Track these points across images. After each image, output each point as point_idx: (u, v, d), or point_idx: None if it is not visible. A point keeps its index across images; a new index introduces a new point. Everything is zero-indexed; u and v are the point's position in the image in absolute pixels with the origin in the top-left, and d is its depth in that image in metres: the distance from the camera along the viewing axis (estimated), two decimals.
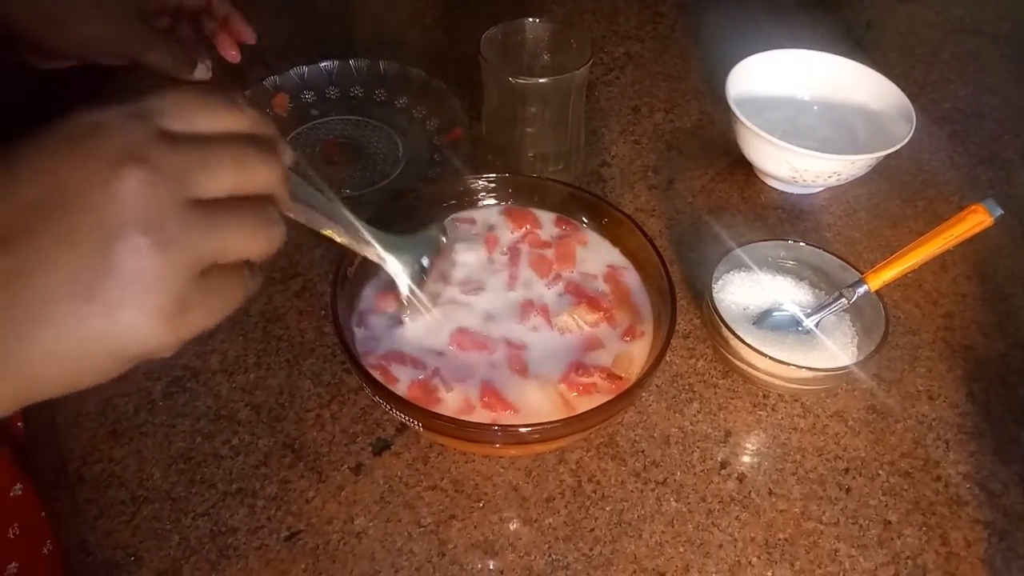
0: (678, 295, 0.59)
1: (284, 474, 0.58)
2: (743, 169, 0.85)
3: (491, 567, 0.54)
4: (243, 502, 0.56)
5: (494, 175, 0.65)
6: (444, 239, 0.60)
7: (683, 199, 0.82)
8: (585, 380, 0.55)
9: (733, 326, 0.61)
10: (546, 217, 0.67)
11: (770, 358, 0.58)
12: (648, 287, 0.62)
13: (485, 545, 0.55)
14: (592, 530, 0.56)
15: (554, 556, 0.55)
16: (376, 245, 0.50)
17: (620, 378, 0.56)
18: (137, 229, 0.29)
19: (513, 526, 0.56)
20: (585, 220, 0.66)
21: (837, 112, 0.85)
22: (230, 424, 0.61)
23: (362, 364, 0.52)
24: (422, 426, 0.51)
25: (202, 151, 0.31)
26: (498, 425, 0.51)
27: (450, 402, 0.54)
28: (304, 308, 0.69)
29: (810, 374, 0.58)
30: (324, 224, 0.44)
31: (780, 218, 0.81)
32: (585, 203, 0.66)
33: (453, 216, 0.66)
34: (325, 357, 0.65)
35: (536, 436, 0.50)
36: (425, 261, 0.57)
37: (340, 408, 0.62)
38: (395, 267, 0.54)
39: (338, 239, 0.46)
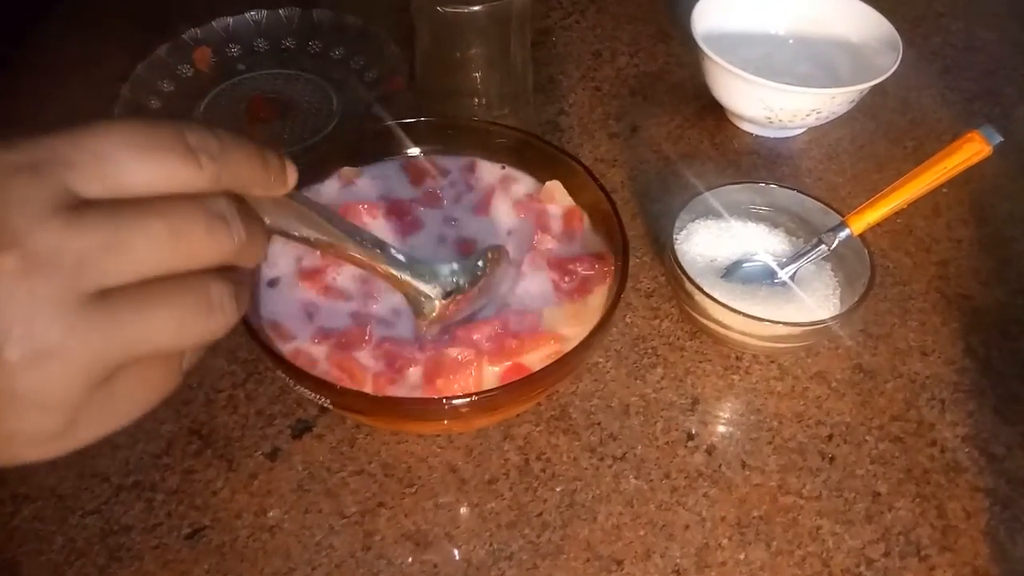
0: (641, 251, 0.52)
1: (188, 463, 0.51)
2: (714, 114, 0.77)
3: (423, 560, 0.47)
4: (140, 496, 0.49)
5: (411, 120, 0.57)
6: (491, 262, 0.47)
7: (648, 147, 0.74)
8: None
9: (698, 279, 0.53)
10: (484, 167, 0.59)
11: (740, 313, 0.51)
12: (601, 234, 0.55)
13: (417, 536, 0.48)
14: (540, 514, 0.49)
15: (496, 545, 0.48)
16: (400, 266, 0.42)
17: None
18: (2, 339, 0.22)
19: (450, 513, 0.49)
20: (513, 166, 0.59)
21: (815, 47, 0.77)
22: None
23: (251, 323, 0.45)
24: (332, 404, 0.43)
25: (116, 226, 0.23)
26: (415, 399, 0.44)
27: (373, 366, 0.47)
28: None
29: (785, 330, 0.51)
30: (330, 246, 0.37)
31: (755, 164, 0.73)
32: (525, 150, 0.58)
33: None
34: (243, 331, 0.58)
35: (466, 408, 0.43)
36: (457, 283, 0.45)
37: (256, 387, 0.55)
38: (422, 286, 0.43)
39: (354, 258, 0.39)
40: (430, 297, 0.44)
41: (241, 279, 0.28)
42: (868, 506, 0.50)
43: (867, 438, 0.54)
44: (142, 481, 0.50)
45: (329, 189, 0.55)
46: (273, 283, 0.50)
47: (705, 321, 0.55)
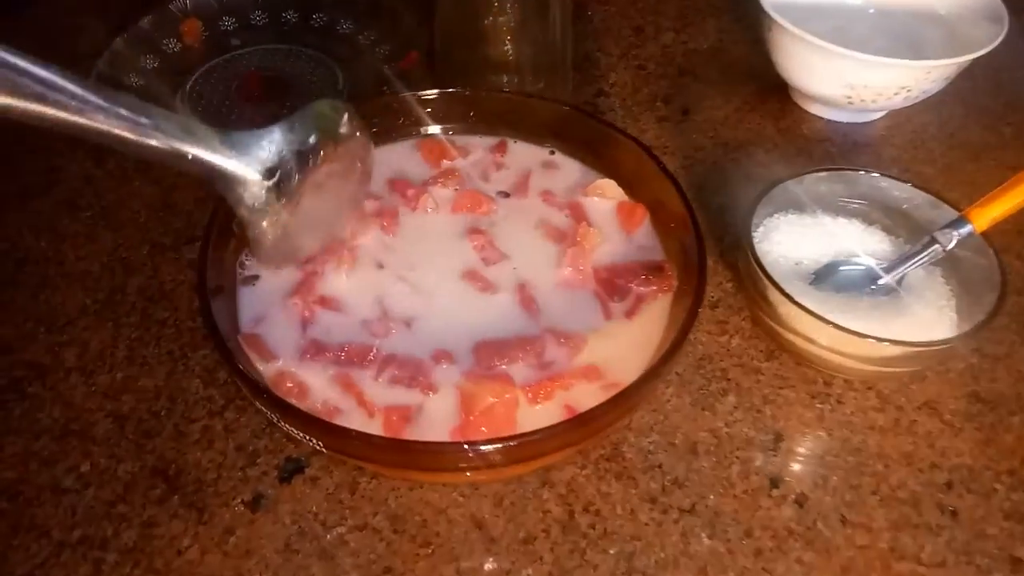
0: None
1: (150, 513, 0.41)
2: (777, 95, 0.67)
3: None
4: (86, 556, 0.39)
5: (438, 91, 0.48)
6: (337, 125, 0.36)
7: (702, 133, 0.64)
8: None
9: (784, 285, 0.43)
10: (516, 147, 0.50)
11: (841, 329, 0.40)
12: (660, 234, 0.45)
13: None
14: None
15: None
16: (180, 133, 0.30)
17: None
18: None
19: None
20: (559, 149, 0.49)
21: (897, 18, 0.67)
22: (81, 443, 0.43)
23: (225, 344, 0.35)
24: (325, 447, 0.33)
25: None
26: (433, 444, 0.34)
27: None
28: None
29: (898, 351, 0.41)
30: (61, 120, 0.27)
31: (829, 152, 0.62)
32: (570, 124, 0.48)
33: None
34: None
35: (499, 456, 0.33)
36: (288, 153, 0.33)
37: (237, 417, 0.45)
38: (227, 163, 0.32)
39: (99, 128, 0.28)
40: (245, 180, 0.32)
41: None
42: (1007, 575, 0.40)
43: (996, 486, 0.43)
44: (90, 536, 0.40)
45: None
46: (249, 280, 0.41)
47: (789, 336, 0.44)
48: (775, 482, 0.43)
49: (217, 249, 0.41)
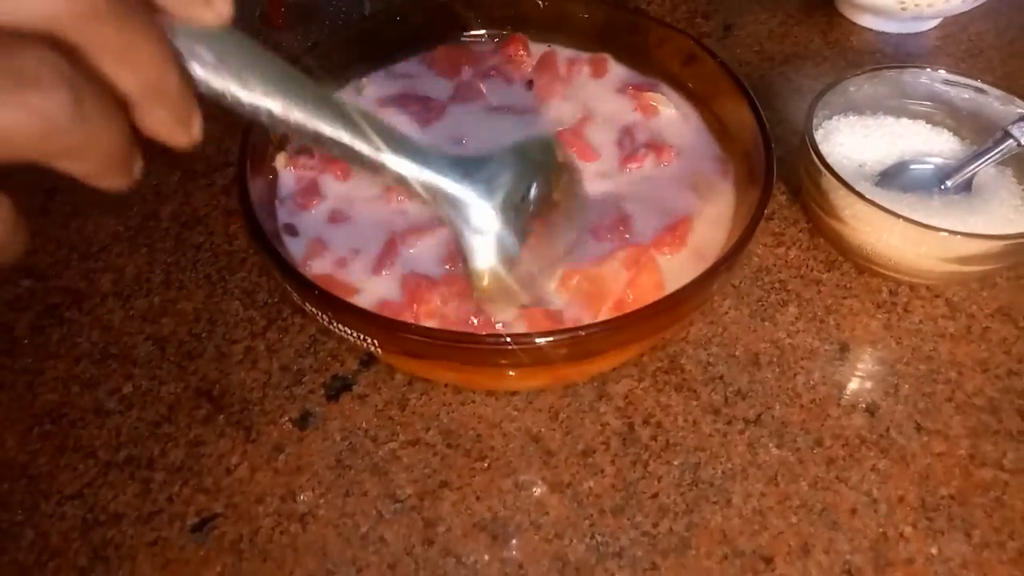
0: None
1: (196, 432, 0.39)
2: (823, 8, 0.64)
3: (504, 559, 0.35)
4: (134, 476, 0.38)
5: None
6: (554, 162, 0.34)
7: (747, 49, 0.61)
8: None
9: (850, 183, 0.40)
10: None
11: (915, 223, 0.38)
12: (710, 127, 0.43)
13: (494, 526, 0.36)
14: (655, 496, 0.37)
15: (599, 538, 0.36)
16: (424, 165, 0.28)
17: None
18: None
19: (535, 495, 0.37)
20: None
21: None
22: (122, 366, 0.42)
23: (273, 246, 0.33)
24: (379, 345, 0.32)
25: None
26: (493, 335, 0.32)
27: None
28: (235, 207, 0.50)
29: (977, 246, 0.38)
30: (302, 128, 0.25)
31: (880, 63, 0.59)
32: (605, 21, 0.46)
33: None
34: (262, 269, 0.46)
35: (562, 350, 0.31)
36: (526, 193, 0.31)
37: (280, 337, 0.43)
38: (468, 210, 0.29)
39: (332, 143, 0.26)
40: (475, 203, 0.29)
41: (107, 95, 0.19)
42: None
43: None
44: (136, 456, 0.39)
45: None
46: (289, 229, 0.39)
47: (858, 241, 0.42)
48: (843, 391, 0.41)
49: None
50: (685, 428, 0.39)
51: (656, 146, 0.42)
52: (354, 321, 0.30)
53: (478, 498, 0.37)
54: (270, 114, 0.24)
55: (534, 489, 0.37)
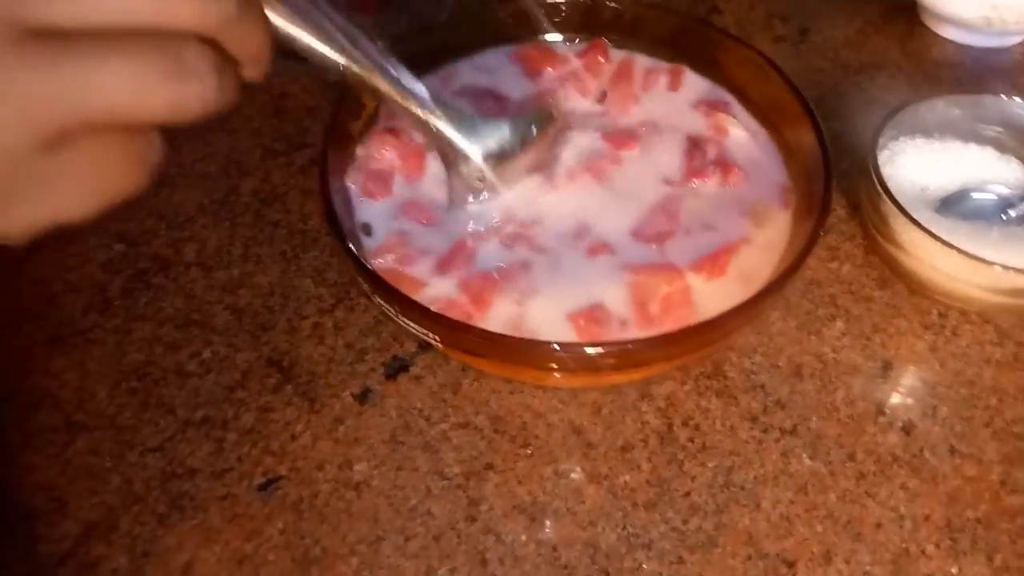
0: None
1: (266, 399, 0.43)
2: (906, 15, 0.63)
3: (539, 540, 0.38)
4: (208, 435, 0.42)
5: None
6: (545, 123, 0.42)
7: (822, 55, 0.61)
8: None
9: (908, 210, 0.41)
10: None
11: (967, 255, 0.39)
12: (779, 151, 0.44)
13: (533, 509, 0.39)
14: (687, 494, 0.39)
15: (631, 529, 0.38)
16: (434, 110, 0.38)
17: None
18: None
19: (573, 484, 0.40)
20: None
21: None
22: (202, 332, 0.46)
23: (345, 240, 0.36)
24: (440, 341, 0.34)
25: None
26: (556, 343, 0.34)
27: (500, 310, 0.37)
28: (311, 187, 0.53)
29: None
30: (350, 72, 0.33)
31: (959, 79, 0.59)
32: (682, 33, 0.47)
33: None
34: (333, 250, 0.50)
35: (611, 361, 0.33)
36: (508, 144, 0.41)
37: (346, 316, 0.46)
38: (460, 139, 0.39)
39: (379, 88, 0.35)
40: (468, 157, 0.39)
41: (234, 68, 0.24)
42: None
43: None
44: (212, 417, 0.42)
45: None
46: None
47: (911, 265, 0.42)
48: (882, 409, 0.42)
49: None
50: (722, 432, 0.41)
51: (725, 165, 0.42)
52: (418, 318, 0.33)
53: (520, 482, 0.40)
54: (320, 58, 0.31)
55: (572, 477, 0.40)
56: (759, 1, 0.65)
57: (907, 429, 0.41)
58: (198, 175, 0.54)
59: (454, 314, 0.36)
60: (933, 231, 0.40)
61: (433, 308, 0.35)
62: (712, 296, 0.38)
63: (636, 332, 0.37)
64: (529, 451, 0.41)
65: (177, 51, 0.21)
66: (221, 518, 0.39)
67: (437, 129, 0.38)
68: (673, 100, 0.46)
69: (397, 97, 0.36)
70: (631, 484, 0.39)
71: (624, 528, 0.38)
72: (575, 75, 0.46)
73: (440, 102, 0.38)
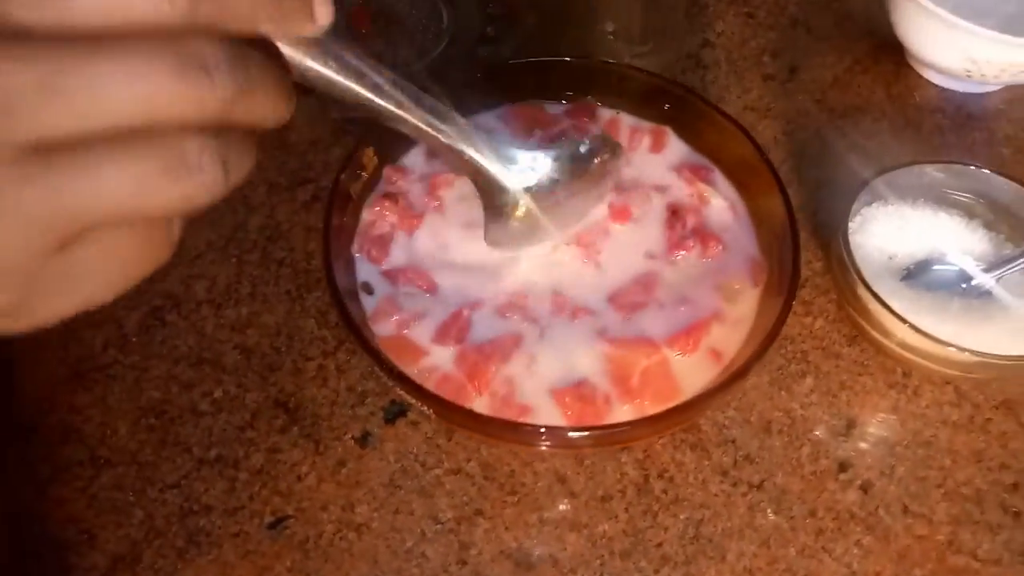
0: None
1: (274, 440, 0.46)
2: (893, 56, 0.64)
3: None
4: (222, 474, 0.45)
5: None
6: (606, 151, 0.43)
7: (809, 95, 0.63)
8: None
9: (874, 282, 0.44)
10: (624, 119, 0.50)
11: (922, 333, 0.42)
12: (753, 221, 0.46)
13: (518, 555, 0.43)
14: (659, 545, 0.43)
15: None
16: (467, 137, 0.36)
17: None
18: None
19: (556, 531, 0.43)
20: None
21: None
22: (213, 371, 0.49)
23: (350, 315, 0.39)
24: (433, 414, 0.37)
25: (54, 64, 0.19)
26: (544, 427, 0.37)
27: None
28: (314, 224, 0.55)
29: (977, 361, 0.42)
30: (384, 108, 0.31)
31: (940, 125, 0.61)
32: (665, 96, 0.49)
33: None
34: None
35: (592, 441, 0.37)
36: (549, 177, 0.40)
37: (348, 359, 0.49)
38: (497, 172, 0.38)
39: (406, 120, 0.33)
40: (505, 188, 0.38)
41: (245, 139, 0.23)
42: None
43: None
44: (225, 456, 0.46)
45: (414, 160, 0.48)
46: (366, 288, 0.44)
47: (873, 332, 0.46)
48: (843, 466, 0.45)
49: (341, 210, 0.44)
50: (694, 485, 0.45)
51: (703, 236, 0.45)
52: (414, 393, 0.36)
53: (507, 528, 0.43)
54: (352, 99, 0.29)
55: (556, 526, 0.43)
56: (751, 35, 0.66)
57: (865, 487, 0.45)
58: (206, 211, 0.56)
59: (449, 387, 0.39)
60: (894, 304, 0.43)
61: (431, 381, 0.38)
62: (690, 370, 0.41)
63: (619, 405, 0.40)
64: (516, 499, 0.44)
65: (176, 147, 0.21)
66: (235, 554, 0.43)
67: (471, 160, 0.36)
68: (656, 162, 0.48)
69: (425, 127, 0.34)
70: (609, 533, 0.43)
71: (601, 575, 0.42)
72: (564, 133, 0.48)
73: (479, 132, 0.36)
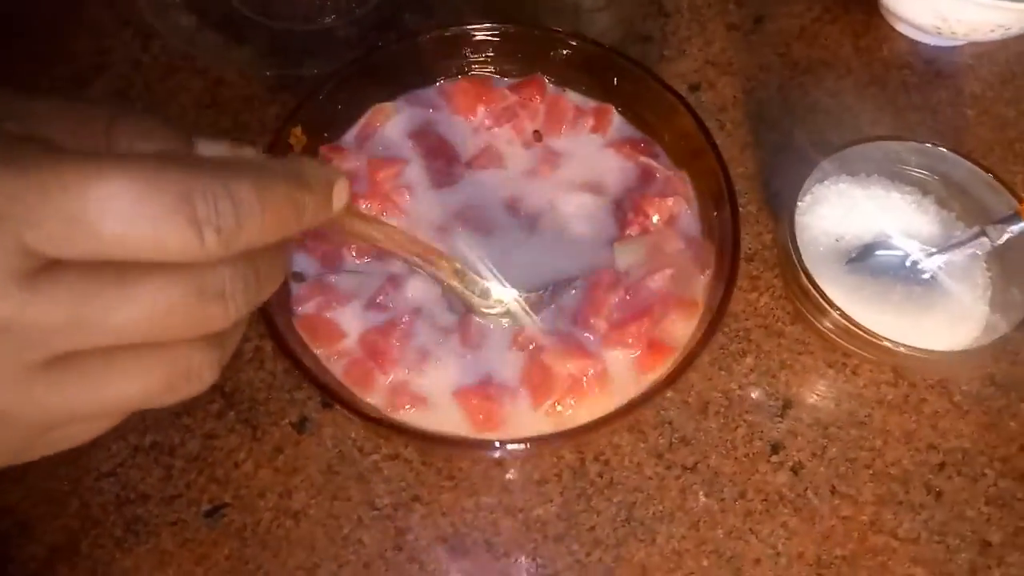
0: (747, 197, 0.42)
1: (210, 426, 0.46)
2: (863, 5, 0.61)
3: (459, 570, 0.43)
4: (158, 461, 0.45)
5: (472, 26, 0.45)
6: None
7: (773, 47, 0.60)
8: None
9: (817, 266, 0.43)
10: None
11: (862, 329, 0.41)
12: (699, 203, 0.45)
13: (454, 539, 0.43)
14: (592, 528, 0.44)
15: (540, 560, 0.43)
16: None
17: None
18: None
19: (492, 516, 0.44)
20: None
21: None
22: None
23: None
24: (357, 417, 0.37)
25: (82, 301, 0.20)
26: (472, 439, 0.37)
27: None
28: None
29: (912, 355, 0.42)
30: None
31: (906, 83, 0.58)
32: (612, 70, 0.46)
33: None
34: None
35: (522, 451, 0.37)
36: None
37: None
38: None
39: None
40: (473, 306, 0.41)
41: (229, 337, 0.25)
42: (974, 558, 0.43)
43: (986, 471, 0.46)
44: (160, 443, 0.46)
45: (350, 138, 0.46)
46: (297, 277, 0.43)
47: (814, 321, 0.45)
48: (776, 448, 0.46)
49: None
50: (629, 469, 0.45)
51: (645, 215, 0.43)
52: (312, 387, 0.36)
53: (443, 514, 0.44)
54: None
55: (491, 511, 0.44)
56: None
57: (796, 469, 0.45)
58: None
59: (357, 371, 0.39)
60: (835, 293, 0.42)
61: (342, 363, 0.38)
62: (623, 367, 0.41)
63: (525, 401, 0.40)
64: (453, 484, 0.45)
65: (183, 362, 0.23)
66: (173, 543, 0.43)
67: (452, 288, 0.40)
68: (598, 142, 0.46)
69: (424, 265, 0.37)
70: (543, 517, 0.44)
71: (535, 559, 0.43)
72: (510, 111, 0.46)
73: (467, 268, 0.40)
